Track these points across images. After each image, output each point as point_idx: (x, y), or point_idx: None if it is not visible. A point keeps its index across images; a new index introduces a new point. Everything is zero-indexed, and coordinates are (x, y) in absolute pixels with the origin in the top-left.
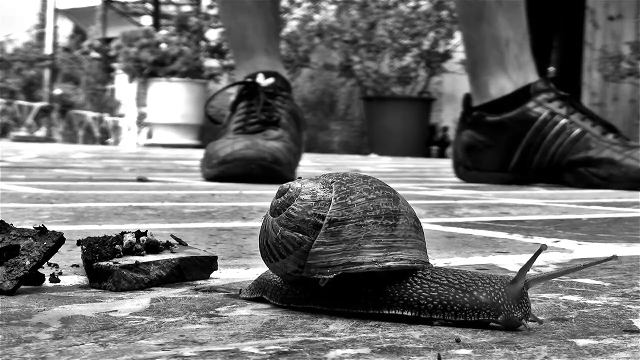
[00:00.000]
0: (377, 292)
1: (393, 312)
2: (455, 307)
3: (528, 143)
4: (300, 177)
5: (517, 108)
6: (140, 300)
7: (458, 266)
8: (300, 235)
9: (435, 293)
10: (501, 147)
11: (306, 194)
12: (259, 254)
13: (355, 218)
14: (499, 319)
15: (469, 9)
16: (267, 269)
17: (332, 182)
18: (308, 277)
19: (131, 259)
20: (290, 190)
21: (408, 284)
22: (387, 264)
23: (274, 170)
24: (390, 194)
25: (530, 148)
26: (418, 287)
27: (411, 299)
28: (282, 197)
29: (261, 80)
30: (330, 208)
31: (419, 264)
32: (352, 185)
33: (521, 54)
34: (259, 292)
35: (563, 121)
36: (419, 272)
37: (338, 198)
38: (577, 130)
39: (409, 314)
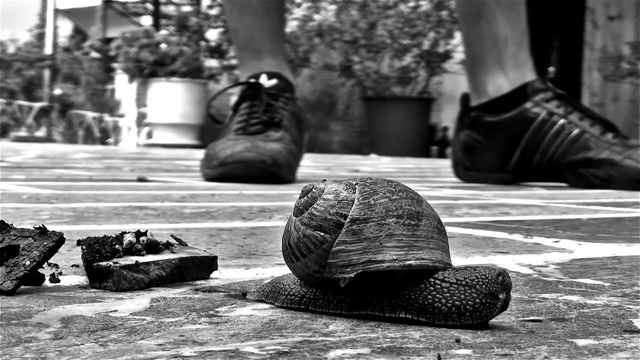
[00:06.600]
0: (394, 295)
1: (409, 316)
2: (468, 307)
3: (527, 144)
4: (324, 179)
5: (515, 108)
6: (140, 300)
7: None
8: (322, 234)
9: (448, 294)
10: (500, 148)
11: (329, 194)
12: (259, 254)
13: (377, 217)
14: (499, 299)
15: (468, 7)
16: (270, 270)
17: (355, 184)
18: (329, 278)
19: (131, 259)
20: (314, 190)
21: (423, 285)
22: (409, 262)
23: (273, 173)
24: (414, 196)
25: (530, 149)
26: (432, 289)
27: (426, 302)
28: (305, 197)
29: (264, 81)
30: (353, 207)
31: (440, 264)
32: (375, 186)
33: (519, 52)
34: (271, 298)
35: (561, 121)
36: (439, 275)
37: (361, 198)
38: (576, 131)
39: (424, 319)
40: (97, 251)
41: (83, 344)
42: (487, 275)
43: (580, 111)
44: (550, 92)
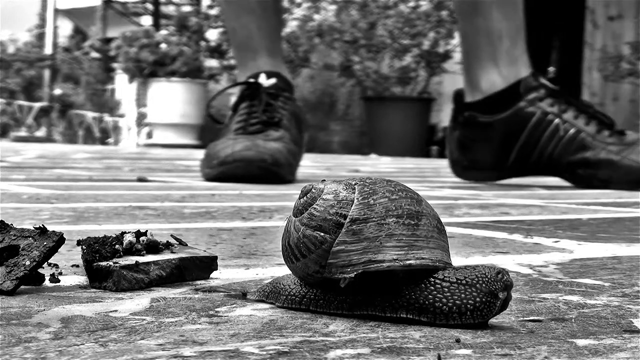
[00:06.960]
0: (394, 295)
1: (410, 316)
2: (468, 306)
3: (524, 144)
4: (324, 179)
5: (509, 109)
6: (140, 300)
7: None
8: (322, 234)
9: (448, 293)
10: (497, 146)
11: (329, 194)
12: (259, 254)
13: (377, 217)
14: (499, 298)
15: (464, 2)
16: (270, 270)
17: (355, 184)
18: (329, 278)
19: (131, 259)
20: (313, 191)
21: (423, 285)
22: (409, 262)
23: (273, 172)
24: (414, 196)
25: (527, 147)
26: (432, 288)
27: (426, 302)
28: (304, 197)
29: (263, 80)
30: (353, 207)
31: (440, 264)
32: (375, 186)
33: (513, 48)
34: (272, 298)
35: (556, 121)
36: (439, 274)
37: (360, 198)
38: (572, 131)
39: (425, 319)
40: (97, 251)
41: (83, 344)
42: (487, 274)
43: (575, 108)
44: (544, 89)
